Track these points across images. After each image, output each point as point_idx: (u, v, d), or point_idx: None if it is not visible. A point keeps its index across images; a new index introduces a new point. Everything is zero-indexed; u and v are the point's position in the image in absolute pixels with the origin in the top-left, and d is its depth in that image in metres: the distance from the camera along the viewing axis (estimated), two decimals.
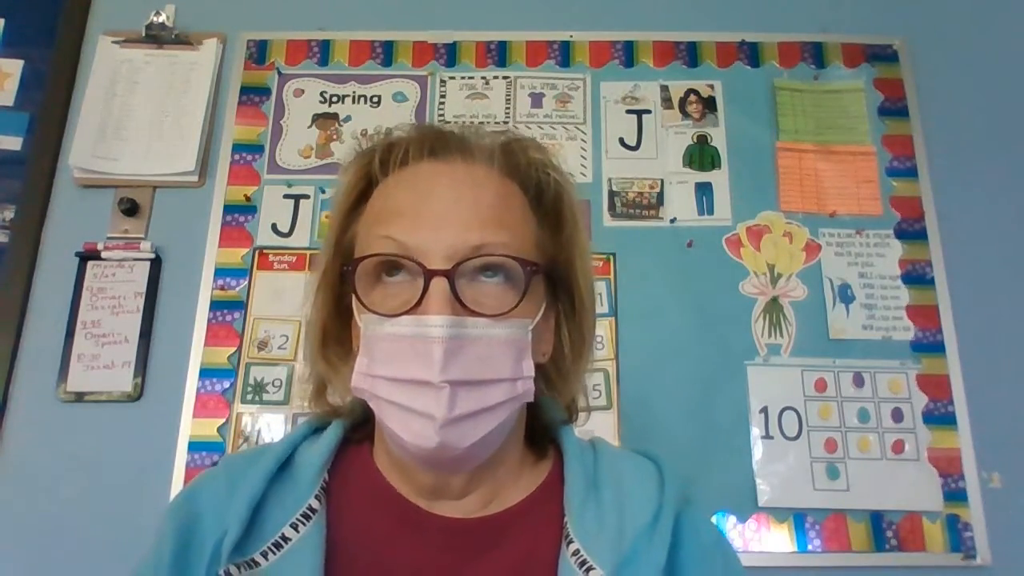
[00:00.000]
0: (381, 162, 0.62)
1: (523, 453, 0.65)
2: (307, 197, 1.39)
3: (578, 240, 0.64)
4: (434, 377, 0.53)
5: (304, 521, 0.59)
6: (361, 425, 0.67)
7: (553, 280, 0.63)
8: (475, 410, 0.55)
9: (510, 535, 0.61)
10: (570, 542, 0.58)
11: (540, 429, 0.67)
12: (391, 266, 0.57)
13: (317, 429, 0.66)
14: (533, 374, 0.58)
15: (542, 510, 0.62)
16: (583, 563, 0.56)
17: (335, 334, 0.64)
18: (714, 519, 1.23)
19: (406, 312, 0.55)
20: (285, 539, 0.58)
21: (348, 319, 0.62)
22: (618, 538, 0.58)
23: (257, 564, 0.57)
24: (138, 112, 1.42)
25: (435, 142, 0.61)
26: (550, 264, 0.62)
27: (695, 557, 0.60)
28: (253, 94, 1.45)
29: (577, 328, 0.66)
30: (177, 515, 0.60)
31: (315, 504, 0.60)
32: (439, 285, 0.54)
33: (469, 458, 0.57)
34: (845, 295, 1.35)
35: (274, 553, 0.57)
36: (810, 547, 1.22)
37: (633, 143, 1.43)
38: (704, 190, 1.40)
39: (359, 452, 0.65)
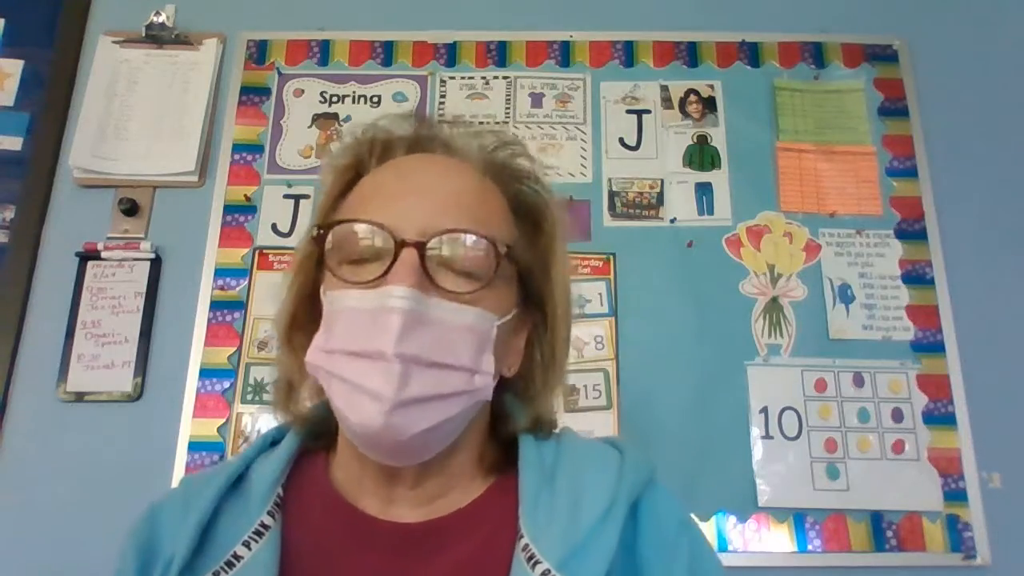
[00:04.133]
0: (373, 154, 0.62)
1: (482, 454, 0.63)
2: (307, 197, 1.39)
3: (556, 251, 0.63)
4: (388, 347, 0.51)
5: (256, 539, 0.57)
6: (320, 435, 0.65)
7: (527, 291, 0.62)
8: (426, 395, 0.53)
9: (462, 535, 0.59)
10: (520, 537, 0.56)
11: (510, 443, 0.64)
12: (363, 251, 0.56)
13: (274, 442, 0.65)
14: (492, 371, 0.57)
15: (497, 509, 0.60)
16: (531, 558, 0.54)
17: (302, 323, 0.62)
18: (714, 519, 1.23)
19: (372, 283, 0.54)
20: (237, 558, 0.56)
21: (318, 309, 0.61)
22: (569, 529, 0.56)
23: None
24: (138, 112, 1.42)
25: (428, 139, 0.62)
26: (525, 272, 0.61)
27: (658, 544, 0.58)
28: (253, 94, 1.45)
29: (549, 344, 0.64)
30: (137, 538, 0.59)
31: (268, 520, 0.58)
32: (408, 255, 0.53)
33: (416, 448, 0.55)
34: (845, 295, 1.34)
35: (226, 572, 0.56)
36: (810, 547, 1.22)
37: (633, 143, 1.43)
38: (704, 190, 1.40)
39: (314, 463, 0.64)
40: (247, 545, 0.57)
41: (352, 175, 0.63)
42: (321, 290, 0.58)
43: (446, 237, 0.55)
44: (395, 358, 0.51)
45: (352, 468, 0.61)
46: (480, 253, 0.56)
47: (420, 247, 0.53)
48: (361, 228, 0.55)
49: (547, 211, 0.64)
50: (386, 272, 0.53)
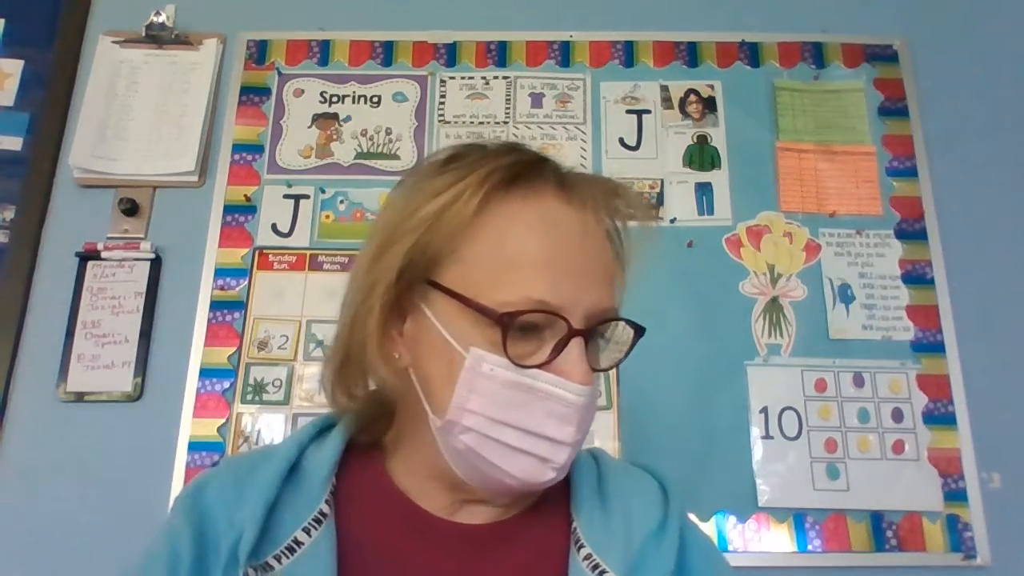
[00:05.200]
0: (502, 180, 0.58)
1: None
2: (307, 197, 1.39)
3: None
4: (569, 439, 0.56)
5: (316, 526, 0.59)
6: (367, 426, 0.66)
7: None
8: (581, 443, 0.59)
9: (520, 539, 0.62)
10: (581, 546, 0.59)
11: None
12: (529, 328, 0.56)
13: (321, 431, 0.66)
14: None
15: (550, 514, 0.63)
16: (596, 567, 0.58)
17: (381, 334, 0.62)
18: (714, 519, 1.23)
19: (541, 366, 0.55)
20: (298, 543, 0.58)
21: (389, 318, 0.60)
22: (626, 544, 0.59)
23: (271, 567, 0.57)
24: (138, 112, 1.42)
25: (566, 182, 0.61)
26: None
27: (700, 561, 0.63)
28: (253, 94, 1.45)
29: None
30: (190, 512, 0.59)
31: (325, 509, 0.60)
32: (579, 346, 0.56)
33: None
34: (845, 295, 1.34)
35: (287, 557, 0.57)
36: (810, 547, 1.22)
37: (633, 143, 1.43)
38: (704, 190, 1.40)
39: (368, 459, 0.65)
40: (307, 531, 0.58)
41: (478, 198, 0.58)
42: (444, 333, 0.57)
43: (605, 325, 0.59)
44: (572, 443, 0.57)
45: (427, 479, 0.62)
46: (626, 337, 0.62)
47: (586, 335, 0.57)
48: (540, 317, 0.55)
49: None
50: (554, 356, 0.56)
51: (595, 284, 0.58)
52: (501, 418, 0.56)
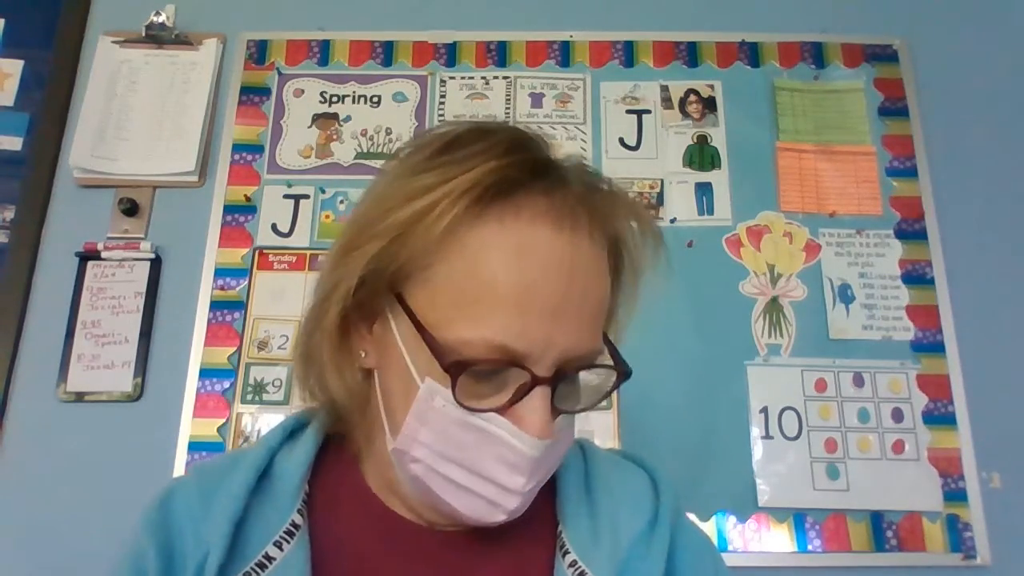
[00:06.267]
0: (481, 196, 0.51)
1: None
2: (307, 197, 1.39)
3: (631, 302, 0.63)
4: (518, 488, 0.52)
5: (288, 539, 0.55)
6: (338, 421, 0.63)
7: None
8: (538, 488, 0.55)
9: (504, 544, 0.60)
10: (566, 552, 0.57)
11: None
12: (489, 373, 0.51)
13: (293, 431, 0.63)
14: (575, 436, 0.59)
15: (535, 517, 0.60)
16: (582, 574, 0.56)
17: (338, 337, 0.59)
18: (714, 519, 1.23)
19: (497, 410, 0.51)
20: (269, 559, 0.55)
21: (359, 318, 0.57)
22: (613, 547, 0.58)
23: None
24: (138, 112, 1.42)
25: (562, 204, 0.52)
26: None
27: (689, 561, 0.61)
28: (253, 94, 1.45)
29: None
30: (155, 530, 0.56)
31: (298, 519, 0.57)
32: (541, 396, 0.50)
33: None
34: (845, 295, 1.34)
35: (258, 574, 0.54)
36: (810, 547, 1.22)
37: (633, 143, 1.43)
38: (704, 190, 1.40)
39: (339, 459, 0.62)
40: (278, 546, 0.55)
41: (453, 207, 0.51)
42: (404, 356, 0.53)
43: (578, 370, 0.53)
44: (523, 493, 0.52)
45: (396, 484, 0.59)
46: (603, 377, 0.55)
47: (552, 383, 0.51)
48: (495, 364, 0.50)
49: (639, 268, 0.61)
50: (514, 399, 0.51)
51: (574, 325, 0.51)
52: (449, 455, 0.52)
